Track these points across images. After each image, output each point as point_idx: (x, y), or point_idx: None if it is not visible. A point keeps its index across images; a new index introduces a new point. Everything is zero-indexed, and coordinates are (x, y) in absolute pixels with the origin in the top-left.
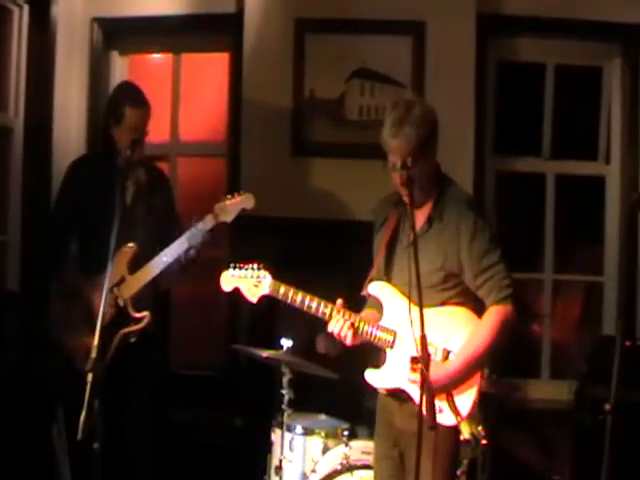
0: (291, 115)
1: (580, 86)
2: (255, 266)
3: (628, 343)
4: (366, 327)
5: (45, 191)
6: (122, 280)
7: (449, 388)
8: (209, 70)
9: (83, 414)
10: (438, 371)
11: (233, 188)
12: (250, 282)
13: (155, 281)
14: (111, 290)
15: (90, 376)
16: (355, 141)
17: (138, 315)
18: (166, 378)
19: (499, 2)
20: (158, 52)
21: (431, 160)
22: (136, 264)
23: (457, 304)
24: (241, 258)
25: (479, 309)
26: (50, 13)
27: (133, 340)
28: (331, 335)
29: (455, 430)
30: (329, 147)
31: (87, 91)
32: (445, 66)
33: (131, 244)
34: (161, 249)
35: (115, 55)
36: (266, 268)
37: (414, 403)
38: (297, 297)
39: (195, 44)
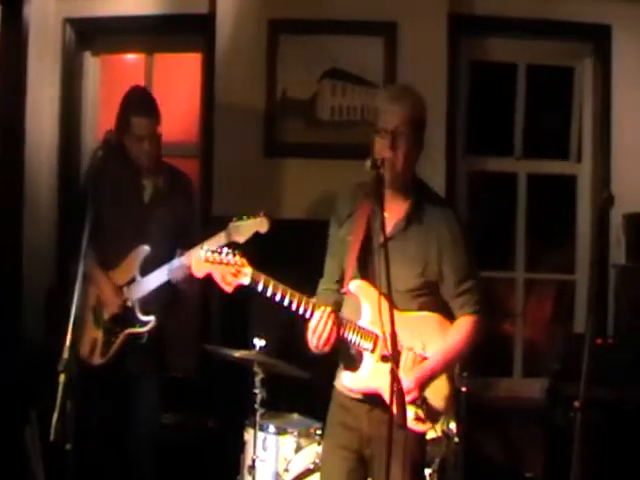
0: (263, 116)
1: (551, 86)
2: (230, 251)
3: (599, 341)
4: (349, 329)
5: (17, 191)
6: (133, 280)
7: (419, 392)
8: (182, 71)
9: (55, 415)
10: (409, 377)
11: (206, 189)
12: (226, 269)
13: (169, 285)
14: (121, 289)
15: (62, 377)
16: (327, 141)
17: (144, 318)
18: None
19: (471, 2)
20: (131, 52)
21: (418, 151)
22: (148, 265)
23: (432, 310)
24: None
25: (448, 316)
26: (22, 13)
27: (142, 342)
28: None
29: (423, 435)
30: (301, 147)
31: (60, 91)
32: (417, 66)
33: (144, 245)
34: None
35: (87, 55)
36: (242, 255)
37: (381, 409)
38: (278, 290)
39: (168, 44)
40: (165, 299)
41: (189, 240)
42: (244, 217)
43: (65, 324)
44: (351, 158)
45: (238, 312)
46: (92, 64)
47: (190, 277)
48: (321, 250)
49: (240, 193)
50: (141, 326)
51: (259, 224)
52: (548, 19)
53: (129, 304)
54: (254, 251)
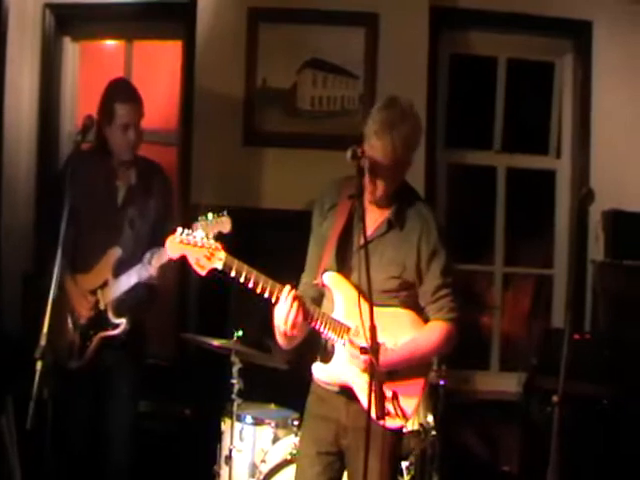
0: (243, 104)
1: (532, 80)
2: (204, 234)
3: (576, 336)
4: (321, 319)
5: None
6: (105, 283)
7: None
8: (161, 58)
9: (32, 404)
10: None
11: (184, 177)
12: (200, 252)
13: (144, 284)
14: (94, 292)
15: (39, 364)
16: (307, 131)
17: (116, 321)
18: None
19: None
20: (110, 39)
21: (406, 168)
22: (121, 267)
23: (406, 307)
24: None
25: (422, 314)
26: None
27: (116, 343)
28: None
29: (398, 432)
30: (281, 137)
31: (39, 77)
32: (398, 58)
33: (117, 247)
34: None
35: (67, 41)
36: (216, 238)
37: (359, 402)
38: (251, 276)
39: (148, 32)
40: (139, 298)
41: (164, 240)
42: (208, 215)
43: (41, 309)
44: (331, 148)
45: (216, 301)
46: (72, 50)
47: (158, 277)
48: (299, 240)
49: (219, 182)
50: (113, 328)
51: (222, 224)
52: (530, 14)
53: (101, 307)
54: (232, 240)
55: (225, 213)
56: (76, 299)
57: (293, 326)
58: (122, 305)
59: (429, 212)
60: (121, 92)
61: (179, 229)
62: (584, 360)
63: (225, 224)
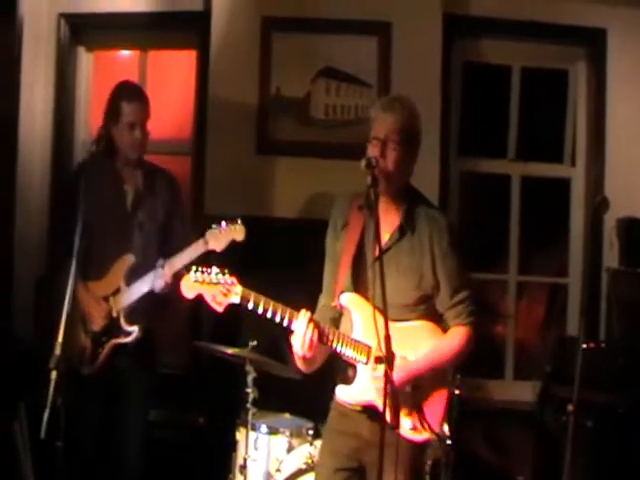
0: (257, 113)
1: (546, 88)
2: (219, 270)
3: (592, 345)
4: (339, 340)
5: (10, 188)
6: (118, 290)
7: (407, 388)
8: (175, 68)
9: (46, 412)
10: (399, 369)
11: (198, 187)
12: (216, 289)
13: (152, 293)
14: (106, 300)
15: (54, 374)
16: (320, 140)
17: (128, 329)
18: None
19: (466, 3)
20: (125, 49)
21: (411, 161)
22: (134, 274)
23: (424, 319)
24: (205, 258)
25: (442, 325)
26: (17, 8)
27: (130, 348)
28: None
29: (424, 445)
30: (294, 146)
31: (53, 87)
32: (411, 67)
33: (130, 255)
34: (164, 258)
35: (82, 51)
36: (231, 274)
37: (384, 419)
38: (268, 306)
39: (162, 41)
40: (152, 305)
41: (174, 242)
42: (222, 223)
43: (54, 316)
44: (344, 158)
45: (230, 310)
46: (86, 60)
47: (172, 285)
48: (313, 249)
49: (232, 191)
50: (125, 336)
51: (236, 232)
52: (543, 22)
53: (114, 314)
54: (245, 249)
55: (239, 221)
56: (88, 306)
57: (310, 348)
58: (134, 313)
59: (438, 213)
60: (128, 92)
61: (193, 268)
62: (599, 368)
63: (239, 232)
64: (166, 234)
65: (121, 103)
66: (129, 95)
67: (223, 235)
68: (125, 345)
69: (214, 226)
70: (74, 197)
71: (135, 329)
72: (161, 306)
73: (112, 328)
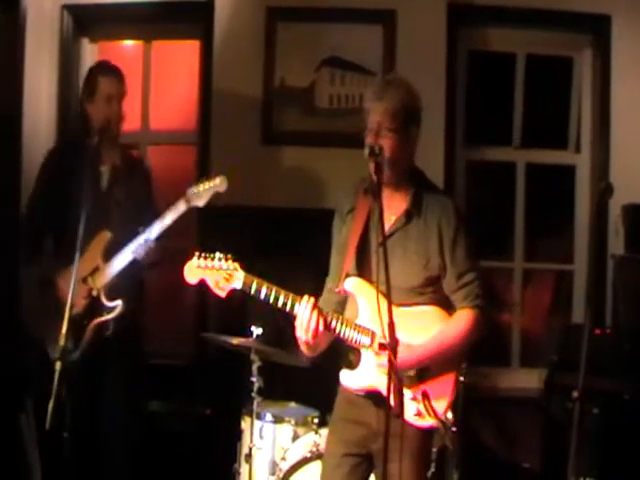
0: (261, 103)
1: (550, 76)
2: (222, 256)
3: (597, 331)
4: (342, 326)
5: (15, 179)
6: (96, 269)
7: (415, 372)
8: (180, 58)
9: (51, 403)
10: (405, 353)
11: (203, 177)
12: (219, 274)
13: (132, 268)
14: (85, 280)
15: (59, 365)
16: (325, 129)
17: (111, 304)
18: (142, 368)
19: None
20: (129, 39)
21: (411, 143)
22: (112, 251)
23: (434, 305)
24: (209, 247)
25: (449, 310)
26: (20, 0)
27: (109, 333)
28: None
29: (430, 432)
30: (299, 135)
31: (57, 78)
32: (416, 55)
33: (106, 231)
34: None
35: (85, 42)
36: (234, 260)
37: (389, 405)
38: (270, 292)
39: (166, 32)
40: (131, 283)
41: (151, 218)
42: (202, 179)
43: (57, 309)
44: (349, 147)
45: (235, 299)
46: (90, 51)
47: (154, 253)
48: (319, 238)
49: (237, 181)
50: (108, 312)
51: (217, 185)
52: (547, 9)
53: (94, 293)
54: (251, 239)
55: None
56: (67, 291)
57: (314, 335)
58: (115, 288)
59: (446, 198)
60: (103, 67)
61: (196, 254)
62: (605, 355)
63: (220, 183)
64: (142, 212)
65: (97, 77)
66: (105, 70)
67: (204, 190)
68: (108, 337)
69: (193, 184)
70: (44, 184)
71: (118, 303)
72: (139, 285)
73: (93, 308)
